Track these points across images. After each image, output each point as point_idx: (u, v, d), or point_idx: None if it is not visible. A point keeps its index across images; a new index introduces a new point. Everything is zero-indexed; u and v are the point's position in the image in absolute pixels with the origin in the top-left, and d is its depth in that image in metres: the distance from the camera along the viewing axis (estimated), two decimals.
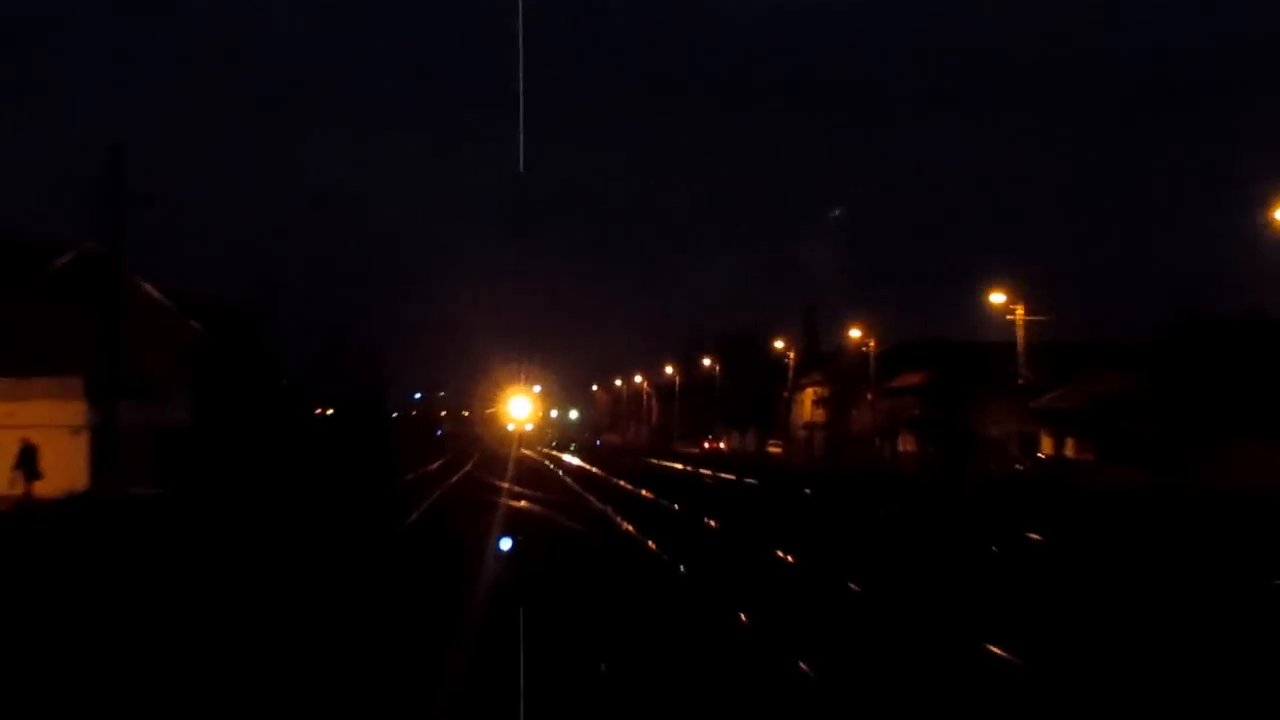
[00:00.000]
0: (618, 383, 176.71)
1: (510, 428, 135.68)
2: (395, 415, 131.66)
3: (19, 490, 34.67)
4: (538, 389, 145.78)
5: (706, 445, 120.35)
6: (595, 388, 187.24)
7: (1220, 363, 52.15)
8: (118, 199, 34.85)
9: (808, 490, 50.62)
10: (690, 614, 17.18)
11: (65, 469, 36.71)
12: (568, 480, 55.66)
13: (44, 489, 34.83)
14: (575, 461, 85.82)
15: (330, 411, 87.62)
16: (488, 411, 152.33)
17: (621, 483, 53.88)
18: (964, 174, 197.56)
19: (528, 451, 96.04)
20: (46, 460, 35.80)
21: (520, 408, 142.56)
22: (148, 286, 45.03)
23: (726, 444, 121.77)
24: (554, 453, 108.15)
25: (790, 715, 11.45)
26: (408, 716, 11.21)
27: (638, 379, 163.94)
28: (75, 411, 38.85)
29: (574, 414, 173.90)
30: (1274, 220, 45.24)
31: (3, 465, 35.79)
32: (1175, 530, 31.85)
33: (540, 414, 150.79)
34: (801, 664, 12.93)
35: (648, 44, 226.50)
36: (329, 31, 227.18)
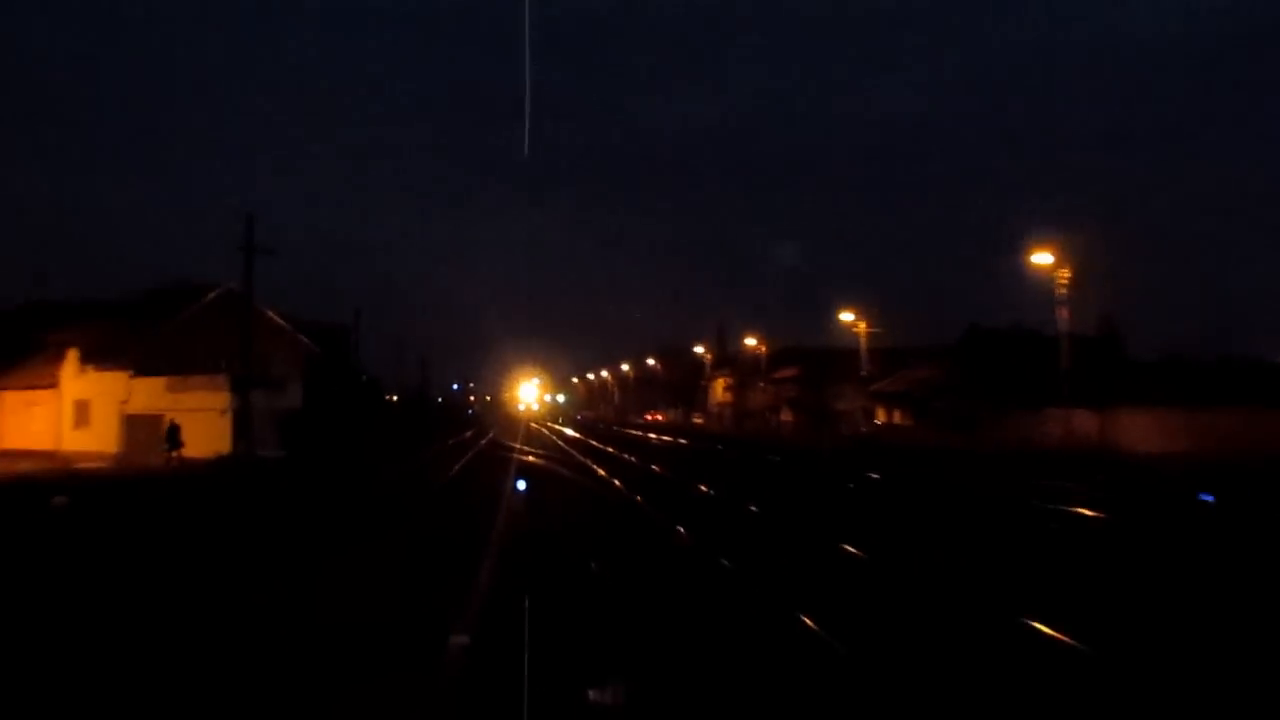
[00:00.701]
0: (590, 376, 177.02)
1: (521, 408, 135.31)
2: (440, 400, 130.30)
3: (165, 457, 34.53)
4: (537, 381, 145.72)
5: (649, 417, 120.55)
6: (575, 379, 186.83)
7: (997, 359, 52.98)
8: (249, 251, 34.48)
9: (720, 447, 50.84)
10: (645, 526, 17.42)
11: (214, 439, 36.49)
12: (560, 443, 55.60)
13: (198, 453, 34.53)
14: (565, 430, 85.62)
15: (395, 399, 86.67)
16: (504, 396, 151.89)
17: (594, 443, 53.92)
18: (826, 229, 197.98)
19: (533, 424, 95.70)
20: (201, 434, 35.67)
21: (527, 394, 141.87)
22: (271, 313, 44.65)
23: (664, 417, 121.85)
24: (550, 425, 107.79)
25: (713, 583, 11.71)
26: (476, 559, 12.70)
27: (604, 373, 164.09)
28: (222, 399, 38.46)
29: (561, 398, 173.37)
30: (1030, 263, 45.84)
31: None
32: (966, 469, 32.27)
33: (541, 398, 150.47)
34: (722, 560, 13.19)
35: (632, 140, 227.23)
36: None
